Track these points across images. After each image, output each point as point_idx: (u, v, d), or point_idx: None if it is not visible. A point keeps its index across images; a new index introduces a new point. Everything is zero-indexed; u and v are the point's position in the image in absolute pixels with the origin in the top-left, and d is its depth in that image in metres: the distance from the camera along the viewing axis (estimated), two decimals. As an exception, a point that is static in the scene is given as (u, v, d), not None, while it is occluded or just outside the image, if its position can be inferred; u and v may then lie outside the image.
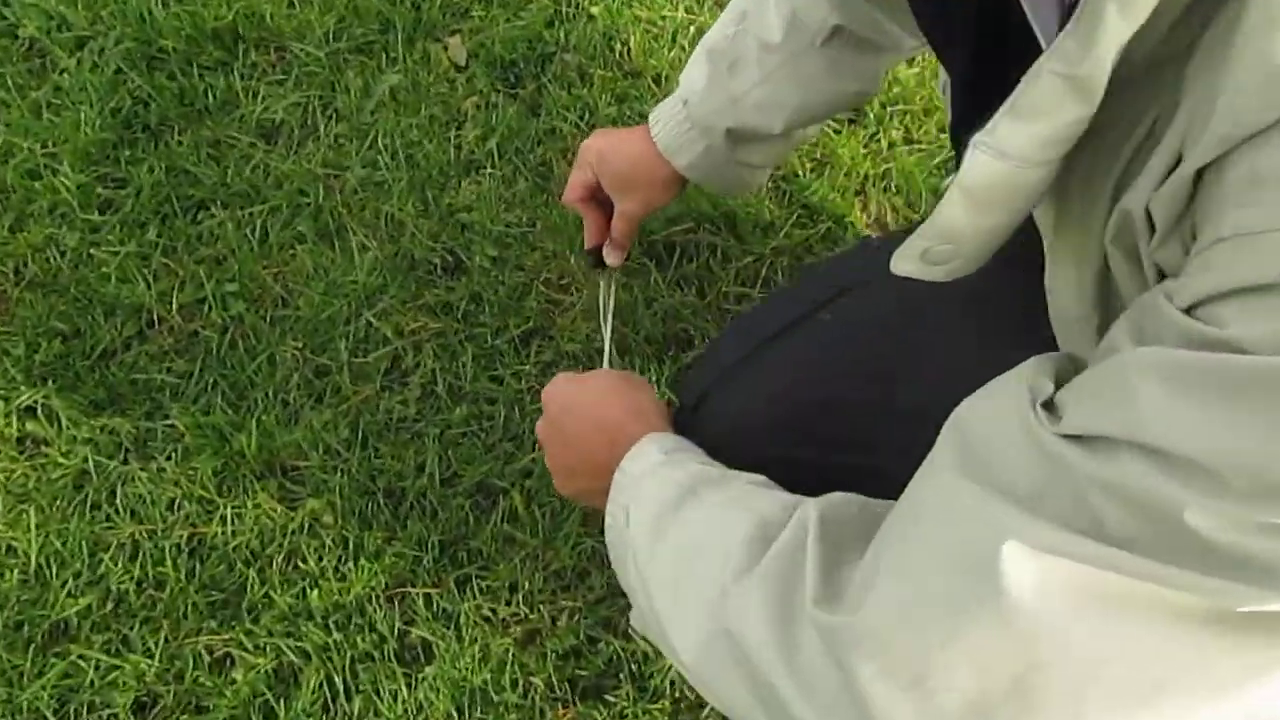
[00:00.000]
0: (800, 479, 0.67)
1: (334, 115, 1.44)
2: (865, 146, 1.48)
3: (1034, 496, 0.44)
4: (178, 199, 1.35)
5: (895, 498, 0.54)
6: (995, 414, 0.48)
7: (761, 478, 0.69)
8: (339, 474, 1.19)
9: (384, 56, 1.49)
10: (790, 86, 0.95)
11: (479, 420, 1.24)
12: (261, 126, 1.42)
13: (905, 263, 0.57)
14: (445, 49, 1.50)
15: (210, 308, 1.28)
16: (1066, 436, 0.44)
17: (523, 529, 1.18)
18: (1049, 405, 0.46)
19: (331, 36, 1.48)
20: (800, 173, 1.44)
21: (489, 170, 1.41)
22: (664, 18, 1.54)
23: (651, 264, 1.33)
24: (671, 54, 1.51)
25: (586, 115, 1.46)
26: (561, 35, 1.51)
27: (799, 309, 0.87)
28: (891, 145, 1.50)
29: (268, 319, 1.29)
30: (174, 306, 1.29)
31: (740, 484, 0.68)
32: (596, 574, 1.16)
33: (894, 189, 1.45)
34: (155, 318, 1.29)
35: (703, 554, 0.62)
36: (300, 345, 1.27)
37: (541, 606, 1.14)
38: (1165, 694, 0.42)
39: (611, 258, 1.12)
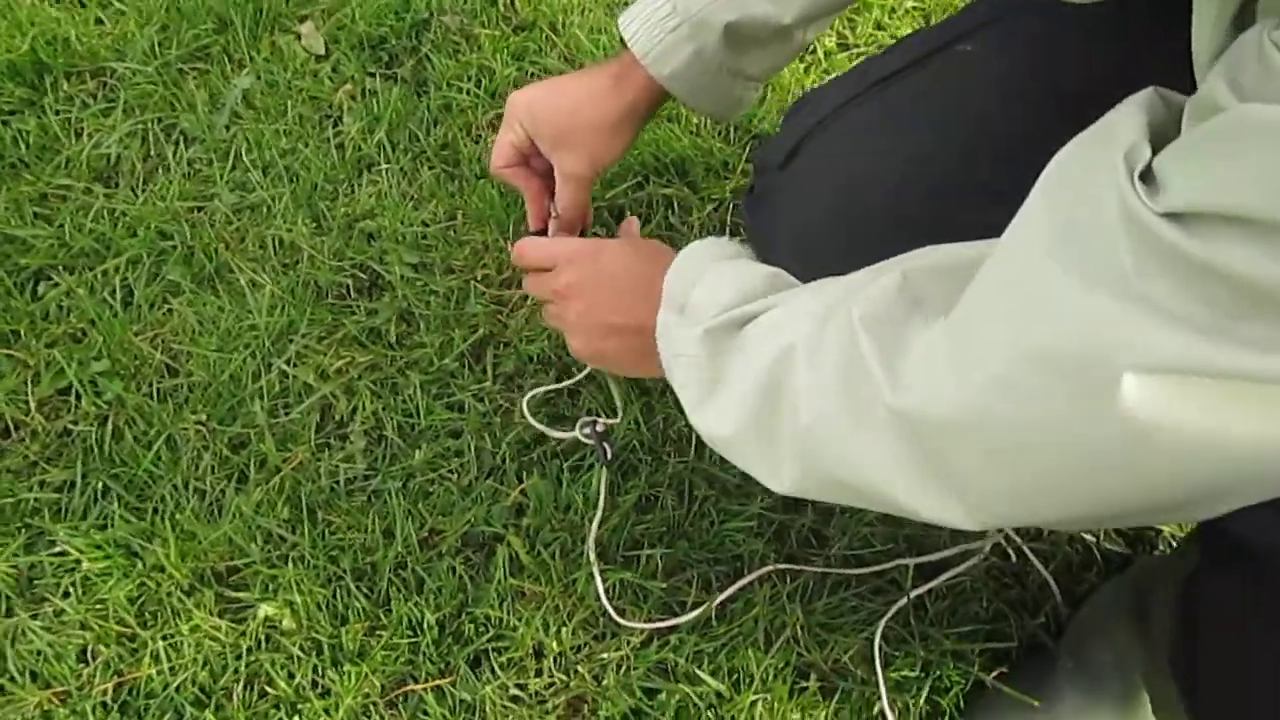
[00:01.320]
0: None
1: (181, 139, 1.19)
2: (800, 60, 1.30)
3: (1135, 288, 0.40)
4: (8, 273, 1.08)
5: None
6: (1089, 186, 0.44)
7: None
8: (290, 564, 0.95)
9: (227, 60, 1.24)
10: None
11: (446, 460, 1.01)
12: (95, 168, 1.15)
13: None
14: (299, 39, 1.26)
15: (79, 396, 1.02)
16: (1169, 215, 0.39)
17: (532, 579, 0.96)
18: (1146, 176, 0.42)
19: (158, 48, 1.22)
20: (741, 100, 1.24)
21: (384, 166, 1.17)
22: (542, -40, 1.32)
23: (603, 233, 1.12)
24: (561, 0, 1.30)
25: (483, 81, 1.23)
26: (432, -2, 1.28)
27: (932, 41, 0.72)
28: (828, 54, 1.32)
29: (154, 394, 1.03)
30: (31, 405, 1.02)
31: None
32: (634, 610, 0.95)
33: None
34: (10, 424, 1.02)
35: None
36: (203, 418, 1.02)
37: (579, 667, 0.92)
38: None
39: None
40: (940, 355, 0.52)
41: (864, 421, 0.55)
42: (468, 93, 1.22)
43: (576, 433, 0.99)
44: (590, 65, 0.91)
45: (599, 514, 0.97)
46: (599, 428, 0.98)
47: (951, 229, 0.70)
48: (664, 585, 0.96)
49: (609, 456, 0.97)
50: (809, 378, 0.59)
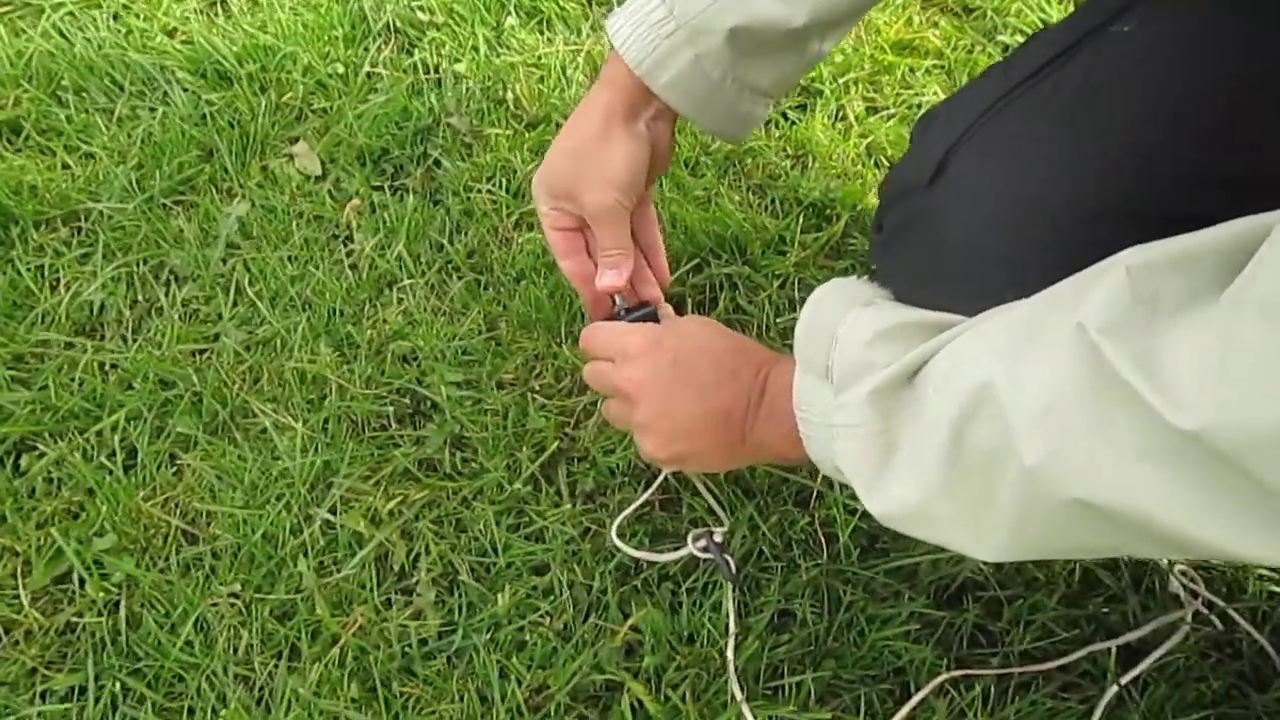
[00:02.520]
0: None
1: (172, 278, 1.04)
2: (832, 127, 1.21)
3: None
4: (-17, 449, 0.91)
5: None
6: None
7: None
8: (369, 753, 0.77)
9: (214, 191, 1.11)
10: None
11: (535, 602, 0.85)
12: (76, 320, 1.00)
13: None
14: (291, 160, 1.14)
15: (82, 582, 0.84)
16: None
17: (667, 729, 0.79)
18: None
19: (136, 184, 1.09)
20: (782, 174, 1.15)
21: (407, 282, 1.04)
22: (541, 57, 1.24)
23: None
24: (570, 92, 1.21)
25: (503, 181, 1.12)
26: (434, 102, 1.18)
27: (1078, 27, 0.63)
28: (859, 118, 1.24)
29: (174, 568, 0.86)
30: (24, 601, 0.84)
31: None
32: (794, 750, 0.78)
33: (886, 160, 1.18)
34: (0, 627, 0.84)
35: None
36: (237, 588, 0.85)
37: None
38: None
39: (608, 278, 0.81)
40: (1232, 356, 0.40)
41: (1128, 449, 0.43)
42: (488, 194, 1.11)
43: (690, 548, 0.83)
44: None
45: (733, 639, 0.81)
46: (716, 539, 0.83)
47: (1153, 225, 0.59)
48: (825, 716, 0.79)
49: (734, 571, 0.82)
50: (1026, 412, 0.48)
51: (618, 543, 0.85)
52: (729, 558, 0.82)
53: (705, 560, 0.84)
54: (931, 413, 0.54)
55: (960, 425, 0.51)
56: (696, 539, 0.83)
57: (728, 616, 0.82)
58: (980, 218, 0.63)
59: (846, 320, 0.61)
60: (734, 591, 0.83)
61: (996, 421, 0.49)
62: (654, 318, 0.84)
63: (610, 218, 0.80)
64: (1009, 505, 0.50)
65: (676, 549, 0.85)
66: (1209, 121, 0.59)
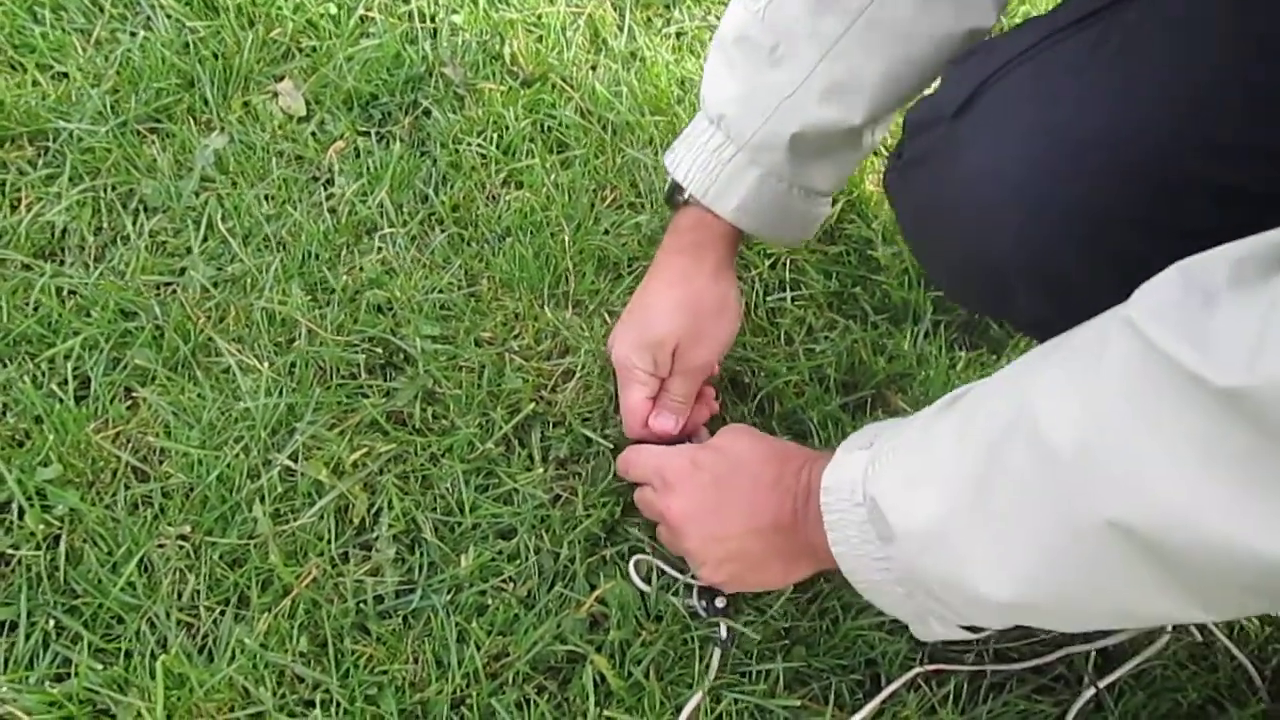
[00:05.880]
0: (1109, 247, 0.56)
1: (141, 207, 0.99)
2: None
3: None
4: (-74, 367, 0.86)
5: None
6: None
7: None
8: (317, 710, 0.73)
9: (192, 122, 1.06)
10: (868, 51, 0.70)
11: (501, 565, 0.81)
12: (36, 242, 0.95)
13: None
14: (275, 98, 1.09)
15: (21, 513, 0.80)
16: None
17: (626, 707, 0.75)
18: None
19: (112, 110, 1.04)
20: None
21: (387, 231, 1.00)
22: (540, 16, 1.20)
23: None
24: (569, 54, 1.17)
25: (496, 137, 1.08)
26: (428, 51, 1.14)
27: None
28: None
29: (121, 504, 0.81)
30: (-42, 527, 0.79)
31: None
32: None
33: (884, 146, 1.16)
34: (-72, 554, 0.79)
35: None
36: (187, 530, 0.80)
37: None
38: None
39: (665, 423, 0.83)
40: (1276, 324, 0.38)
41: (1169, 421, 0.41)
42: (478, 149, 1.07)
43: (694, 602, 0.81)
44: (650, 267, 0.84)
45: (705, 692, 0.78)
46: (720, 604, 0.80)
47: (1179, 184, 0.57)
48: (794, 703, 0.76)
49: (729, 640, 0.80)
50: (1064, 404, 0.47)
51: (636, 577, 0.82)
52: (725, 628, 0.80)
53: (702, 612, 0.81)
54: (967, 429, 0.53)
55: (997, 439, 0.51)
56: (701, 598, 0.81)
57: (708, 670, 0.79)
58: (1002, 146, 0.61)
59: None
60: (721, 652, 0.80)
61: (1032, 437, 0.48)
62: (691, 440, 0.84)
63: (701, 375, 0.82)
64: (1037, 529, 0.48)
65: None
66: (1240, 95, 0.57)
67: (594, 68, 1.18)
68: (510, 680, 0.76)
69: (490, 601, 0.80)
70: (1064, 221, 0.57)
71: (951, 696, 0.79)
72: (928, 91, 0.69)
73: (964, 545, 0.53)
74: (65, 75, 1.07)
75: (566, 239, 1.00)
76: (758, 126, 0.72)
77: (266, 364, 0.89)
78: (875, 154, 1.15)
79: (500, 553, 0.82)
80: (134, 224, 0.97)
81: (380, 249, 0.99)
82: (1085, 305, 0.52)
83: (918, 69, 0.71)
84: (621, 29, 1.21)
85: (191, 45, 1.10)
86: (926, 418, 0.59)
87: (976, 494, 0.52)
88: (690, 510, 0.72)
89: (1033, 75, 0.60)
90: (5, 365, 0.87)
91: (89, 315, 0.91)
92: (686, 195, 0.78)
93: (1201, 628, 0.82)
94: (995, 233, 0.60)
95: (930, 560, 0.55)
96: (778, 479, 0.69)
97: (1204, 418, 0.39)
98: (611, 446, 0.87)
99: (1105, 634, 0.81)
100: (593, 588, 0.82)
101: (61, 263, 0.95)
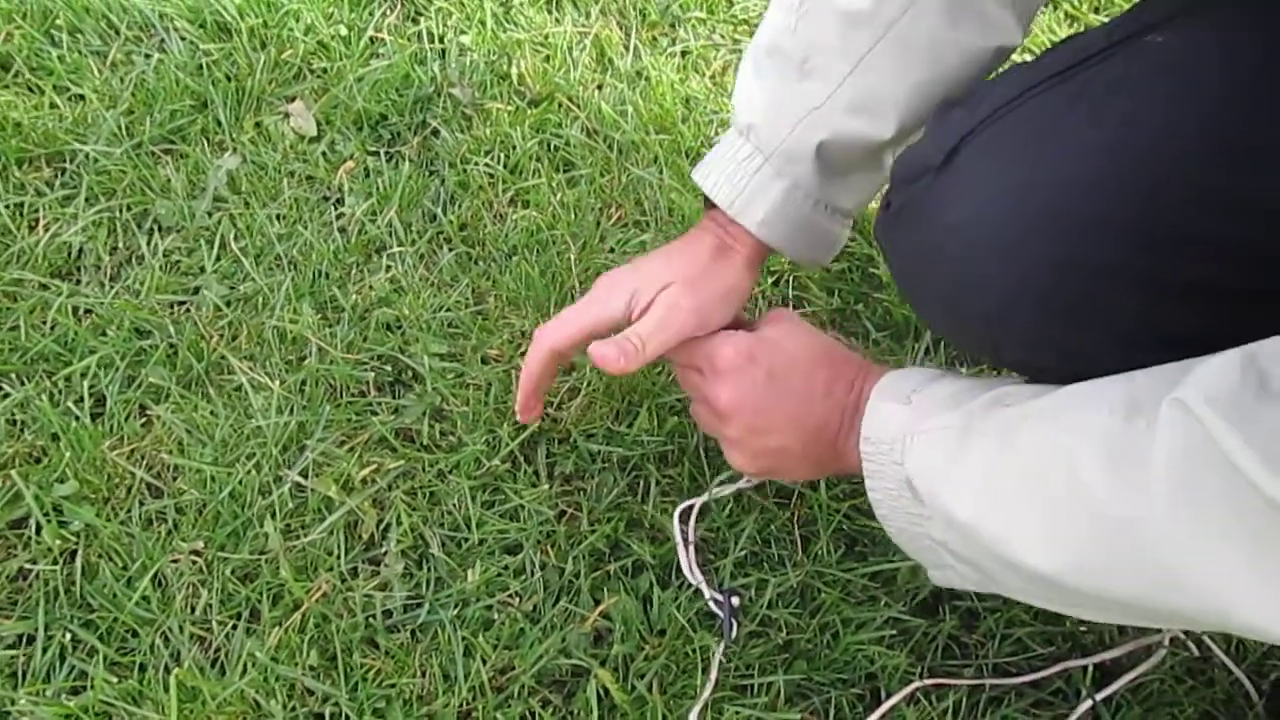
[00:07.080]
0: (1092, 299, 0.58)
1: (156, 227, 1.02)
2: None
3: None
4: (-54, 385, 0.88)
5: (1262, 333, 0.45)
6: None
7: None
8: (324, 723, 0.75)
9: (206, 143, 1.08)
10: (897, 67, 0.70)
11: (507, 581, 0.83)
12: (53, 262, 0.97)
13: None
14: (286, 118, 1.11)
15: (38, 528, 0.81)
16: None
17: None
18: None
19: (127, 131, 1.06)
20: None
21: (396, 250, 1.02)
22: (548, 36, 1.22)
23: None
24: (576, 74, 1.19)
25: (504, 156, 1.10)
26: (437, 71, 1.16)
27: (1115, 33, 0.62)
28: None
29: (136, 520, 0.83)
30: (-24, 543, 0.81)
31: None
32: (761, 752, 0.76)
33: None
34: (-52, 569, 0.80)
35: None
36: (200, 546, 0.82)
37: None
38: None
39: (604, 348, 0.73)
40: None
41: (1215, 522, 0.44)
42: (485, 168, 1.09)
43: (708, 595, 0.82)
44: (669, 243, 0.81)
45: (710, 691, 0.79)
46: (735, 601, 0.81)
47: (1166, 235, 0.58)
48: (794, 717, 0.78)
49: (733, 633, 0.81)
50: (1120, 476, 0.48)
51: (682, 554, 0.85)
52: (735, 621, 0.81)
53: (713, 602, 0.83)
54: (1014, 438, 0.56)
55: (1035, 472, 0.53)
56: (720, 590, 0.82)
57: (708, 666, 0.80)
58: (983, 198, 0.62)
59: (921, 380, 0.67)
60: (721, 646, 0.81)
61: (1073, 484, 0.50)
62: None
63: (669, 334, 0.75)
64: (1076, 535, 0.51)
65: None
66: (1230, 143, 0.58)
67: (600, 87, 1.19)
68: (515, 694, 0.78)
69: (496, 616, 0.81)
70: (1032, 272, 0.59)
71: (950, 710, 0.80)
72: (913, 140, 0.70)
73: (1012, 511, 0.55)
74: (81, 97, 1.10)
75: (572, 257, 1.02)
76: (785, 135, 0.72)
77: (278, 382, 0.91)
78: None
79: (506, 568, 0.84)
80: (149, 244, 1.00)
81: (389, 268, 1.01)
82: (1063, 355, 0.53)
83: (946, 85, 0.72)
84: (627, 49, 1.23)
85: (205, 67, 1.12)
86: (965, 414, 0.60)
87: (1015, 497, 0.54)
88: (739, 401, 0.71)
89: (1013, 127, 0.62)
90: (23, 383, 0.89)
91: (105, 334, 0.93)
92: (715, 206, 0.78)
93: (1199, 643, 0.83)
94: (975, 283, 0.61)
95: (965, 543, 0.58)
96: (828, 389, 0.70)
97: (1250, 521, 0.41)
98: (620, 468, 0.89)
99: (1103, 649, 0.82)
100: (597, 602, 0.83)
101: (78, 282, 0.97)
